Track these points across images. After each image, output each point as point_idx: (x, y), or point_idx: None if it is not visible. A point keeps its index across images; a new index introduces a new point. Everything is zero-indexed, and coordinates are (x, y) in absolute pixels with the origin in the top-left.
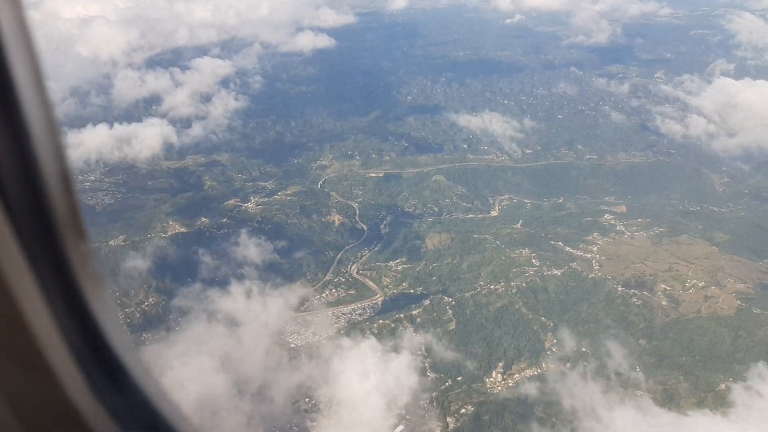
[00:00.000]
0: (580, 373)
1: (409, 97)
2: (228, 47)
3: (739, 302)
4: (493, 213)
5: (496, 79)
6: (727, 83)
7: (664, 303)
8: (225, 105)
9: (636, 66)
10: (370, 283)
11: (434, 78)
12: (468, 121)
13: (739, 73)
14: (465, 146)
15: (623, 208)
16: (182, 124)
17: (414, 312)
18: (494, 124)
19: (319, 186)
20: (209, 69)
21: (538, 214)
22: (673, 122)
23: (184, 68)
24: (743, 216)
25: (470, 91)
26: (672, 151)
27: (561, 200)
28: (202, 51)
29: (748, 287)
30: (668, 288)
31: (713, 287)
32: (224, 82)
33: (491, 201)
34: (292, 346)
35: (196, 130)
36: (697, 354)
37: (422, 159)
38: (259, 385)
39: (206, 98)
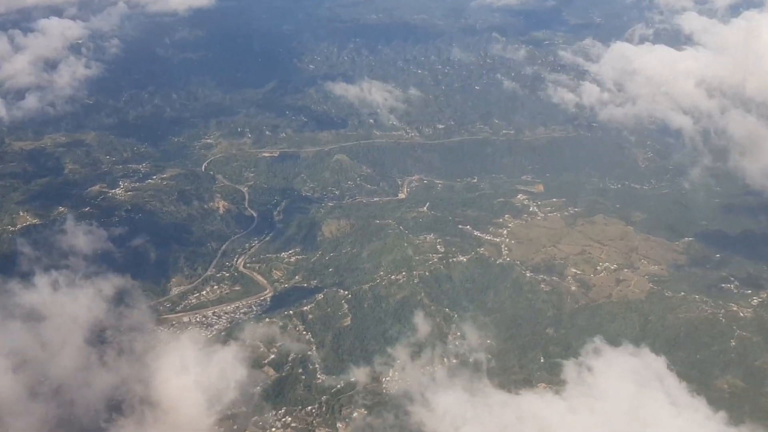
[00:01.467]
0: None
1: (311, 66)
2: (87, 7)
3: (651, 285)
4: (401, 195)
5: (411, 46)
6: (625, 48)
7: (573, 288)
8: (73, 73)
9: (563, 32)
10: (259, 277)
11: (342, 44)
12: (376, 93)
13: (657, 38)
14: (372, 121)
15: (541, 188)
16: (16, 95)
17: (305, 308)
18: (405, 96)
19: (203, 168)
20: (58, 31)
21: (449, 195)
22: (566, 90)
23: (28, 30)
24: (665, 193)
25: (381, 59)
26: (594, 124)
27: (475, 180)
28: (55, 11)
29: (662, 269)
30: (579, 272)
31: (626, 270)
32: (75, 47)
33: (399, 182)
34: (140, 350)
35: (31, 102)
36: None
37: (323, 136)
38: (73, 386)
39: (52, 65)
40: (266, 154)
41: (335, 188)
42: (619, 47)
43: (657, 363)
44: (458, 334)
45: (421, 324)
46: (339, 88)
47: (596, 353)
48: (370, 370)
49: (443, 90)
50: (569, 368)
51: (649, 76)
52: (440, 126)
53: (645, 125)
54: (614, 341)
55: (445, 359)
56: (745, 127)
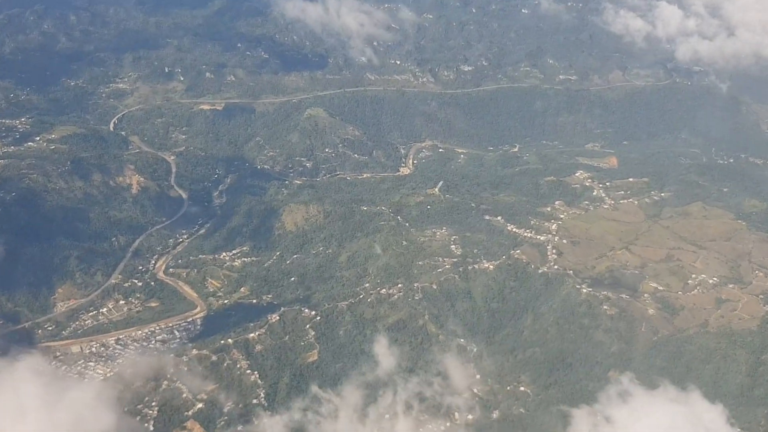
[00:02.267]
0: None
1: None
2: None
3: (767, 308)
4: (404, 170)
5: None
6: None
7: (652, 311)
8: None
9: None
10: (187, 288)
11: None
12: (348, 16)
13: None
14: (364, 59)
15: (613, 161)
16: None
17: (252, 335)
18: (395, 21)
19: (110, 126)
20: None
21: (475, 171)
22: (633, 15)
23: None
24: None
25: None
26: (697, 68)
27: (516, 149)
28: None
29: None
30: (661, 288)
31: (731, 285)
32: None
33: (403, 151)
34: None
35: None
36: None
37: (291, 80)
38: None
39: None
40: (206, 107)
41: (306, 158)
42: None
43: (710, 415)
44: (477, 377)
45: (422, 361)
46: (294, 7)
47: (622, 398)
48: None
49: (473, 14)
50: (579, 419)
51: None
52: (467, 68)
53: (752, 69)
54: (708, 390)
55: (456, 416)
56: None
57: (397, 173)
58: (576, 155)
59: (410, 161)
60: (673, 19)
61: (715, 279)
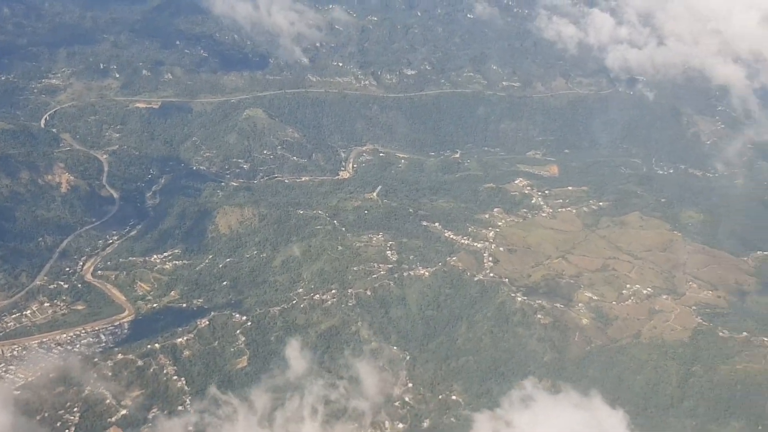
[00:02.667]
0: None
1: None
2: None
3: (700, 320)
4: (344, 174)
5: None
6: None
7: (585, 321)
8: None
9: None
10: (115, 291)
11: None
12: (279, 14)
13: None
14: (306, 60)
15: (554, 170)
16: None
17: (180, 340)
18: (329, 20)
19: (41, 123)
20: None
21: (415, 176)
22: (566, 22)
23: None
24: (738, 184)
25: None
26: (640, 77)
27: (457, 155)
28: None
29: (719, 296)
30: (596, 298)
31: (665, 296)
32: None
33: (343, 154)
34: None
35: None
36: (629, 403)
37: (230, 80)
38: None
39: None
40: (141, 105)
41: (243, 160)
42: None
43: (611, 420)
44: (409, 385)
45: (354, 369)
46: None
47: (525, 403)
48: None
49: (419, 18)
50: (479, 424)
51: (692, 6)
52: (410, 72)
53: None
54: (634, 400)
55: (387, 425)
56: None
57: (337, 177)
58: (517, 162)
59: (350, 165)
60: (605, 27)
61: (649, 289)
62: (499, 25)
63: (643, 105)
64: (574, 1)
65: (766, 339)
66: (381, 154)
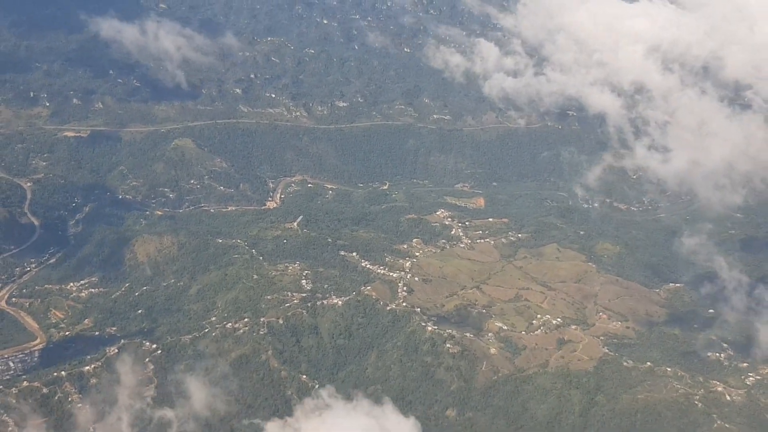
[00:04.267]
0: None
1: (162, 5)
2: None
3: (606, 350)
4: (271, 204)
5: None
6: None
7: (494, 351)
8: None
9: None
10: (28, 319)
11: None
12: (166, 38)
13: None
14: (239, 91)
15: (480, 201)
16: None
17: (87, 368)
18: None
19: None
20: None
21: (340, 207)
22: (453, 51)
23: None
24: (660, 218)
25: (270, 1)
26: (570, 113)
27: (386, 186)
28: None
29: (627, 326)
30: (506, 327)
31: (574, 327)
32: None
33: (272, 185)
34: None
35: None
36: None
37: (161, 110)
38: None
39: None
40: (70, 134)
41: (170, 189)
42: None
43: (401, 427)
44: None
45: (260, 398)
46: (110, 28)
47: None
48: None
49: (356, 51)
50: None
51: (578, 37)
52: (341, 104)
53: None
54: (537, 428)
55: None
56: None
57: (264, 207)
58: (445, 194)
59: (278, 195)
60: (491, 56)
61: (559, 320)
62: (393, 54)
63: (572, 138)
64: (466, 32)
65: (669, 369)
66: (309, 185)
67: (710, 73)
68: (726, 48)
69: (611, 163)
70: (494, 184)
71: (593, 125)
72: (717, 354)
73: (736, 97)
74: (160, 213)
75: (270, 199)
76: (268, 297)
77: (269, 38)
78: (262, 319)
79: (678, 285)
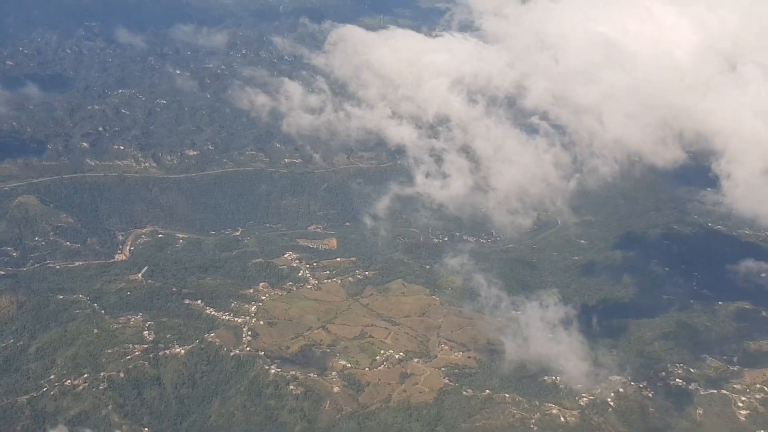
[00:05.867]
0: None
1: (10, 62)
2: None
3: (447, 381)
4: (120, 256)
5: (175, 32)
6: (354, 34)
7: (337, 389)
8: None
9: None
10: None
11: (67, 30)
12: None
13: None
14: (86, 144)
15: (333, 242)
16: None
17: None
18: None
19: None
20: None
21: (190, 255)
22: (259, 91)
23: None
24: (510, 248)
25: (123, 53)
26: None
27: (238, 232)
28: None
29: (469, 356)
30: (349, 365)
31: (416, 360)
32: None
33: (121, 237)
34: None
35: None
36: None
37: (4, 167)
38: None
39: None
40: None
41: (13, 248)
42: (347, 32)
43: None
44: None
45: None
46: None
47: None
48: None
49: (208, 100)
50: None
51: (383, 73)
52: (192, 152)
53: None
54: None
55: None
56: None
57: (112, 260)
58: (297, 237)
59: (127, 248)
60: (295, 95)
61: (401, 354)
62: (200, 97)
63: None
64: (272, 72)
65: (507, 395)
66: (160, 235)
67: (513, 102)
68: (528, 78)
69: (398, 193)
70: (347, 224)
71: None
72: (553, 377)
73: (531, 123)
74: (2, 272)
75: (119, 251)
76: (109, 351)
77: (120, 90)
78: (102, 374)
79: (518, 312)
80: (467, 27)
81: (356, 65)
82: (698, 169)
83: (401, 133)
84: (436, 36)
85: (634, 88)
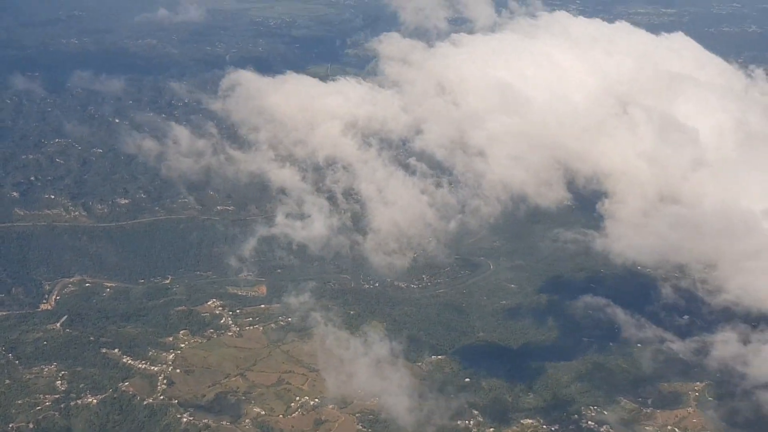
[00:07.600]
0: None
1: None
2: None
3: (360, 426)
4: (45, 306)
5: (134, 83)
6: (249, 79)
7: None
8: None
9: None
10: None
11: (7, 80)
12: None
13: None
14: (16, 194)
15: (262, 289)
16: None
17: None
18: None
19: None
20: None
21: (115, 304)
22: (147, 137)
23: None
24: (440, 293)
25: (67, 104)
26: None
27: (168, 280)
28: None
29: (386, 401)
30: (264, 412)
31: (331, 406)
32: None
33: (48, 287)
34: None
35: None
36: None
37: None
38: None
39: None
40: None
41: None
42: (240, 77)
43: None
44: None
45: None
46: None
47: None
48: None
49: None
50: None
51: (274, 117)
52: (123, 201)
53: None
54: None
55: None
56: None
57: (37, 310)
58: (227, 284)
59: (53, 297)
60: (183, 140)
61: (317, 400)
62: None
63: None
64: (162, 117)
65: None
66: (87, 284)
67: (409, 145)
68: (424, 122)
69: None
70: (279, 270)
71: None
72: (466, 421)
73: (410, 165)
74: None
75: (44, 301)
76: (19, 402)
77: (57, 140)
78: (11, 425)
79: (440, 357)
80: (375, 72)
81: (250, 109)
82: (582, 210)
83: (283, 176)
84: (328, 81)
85: (524, 131)
